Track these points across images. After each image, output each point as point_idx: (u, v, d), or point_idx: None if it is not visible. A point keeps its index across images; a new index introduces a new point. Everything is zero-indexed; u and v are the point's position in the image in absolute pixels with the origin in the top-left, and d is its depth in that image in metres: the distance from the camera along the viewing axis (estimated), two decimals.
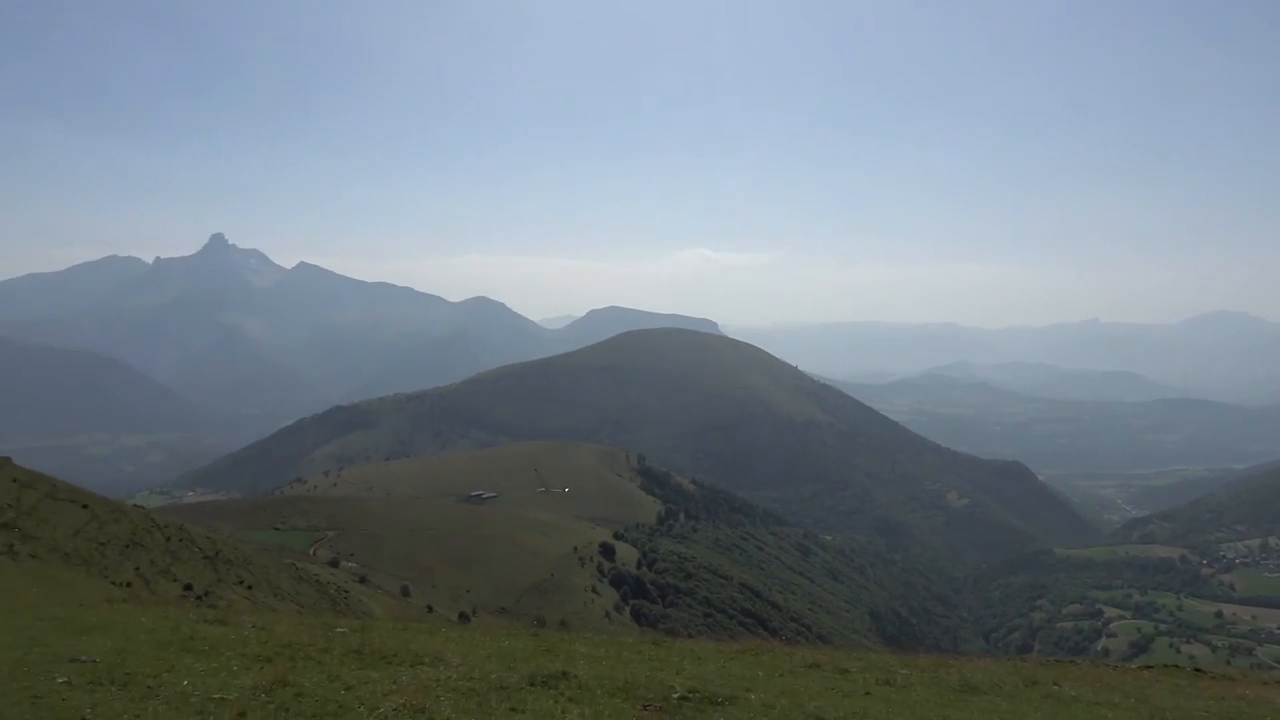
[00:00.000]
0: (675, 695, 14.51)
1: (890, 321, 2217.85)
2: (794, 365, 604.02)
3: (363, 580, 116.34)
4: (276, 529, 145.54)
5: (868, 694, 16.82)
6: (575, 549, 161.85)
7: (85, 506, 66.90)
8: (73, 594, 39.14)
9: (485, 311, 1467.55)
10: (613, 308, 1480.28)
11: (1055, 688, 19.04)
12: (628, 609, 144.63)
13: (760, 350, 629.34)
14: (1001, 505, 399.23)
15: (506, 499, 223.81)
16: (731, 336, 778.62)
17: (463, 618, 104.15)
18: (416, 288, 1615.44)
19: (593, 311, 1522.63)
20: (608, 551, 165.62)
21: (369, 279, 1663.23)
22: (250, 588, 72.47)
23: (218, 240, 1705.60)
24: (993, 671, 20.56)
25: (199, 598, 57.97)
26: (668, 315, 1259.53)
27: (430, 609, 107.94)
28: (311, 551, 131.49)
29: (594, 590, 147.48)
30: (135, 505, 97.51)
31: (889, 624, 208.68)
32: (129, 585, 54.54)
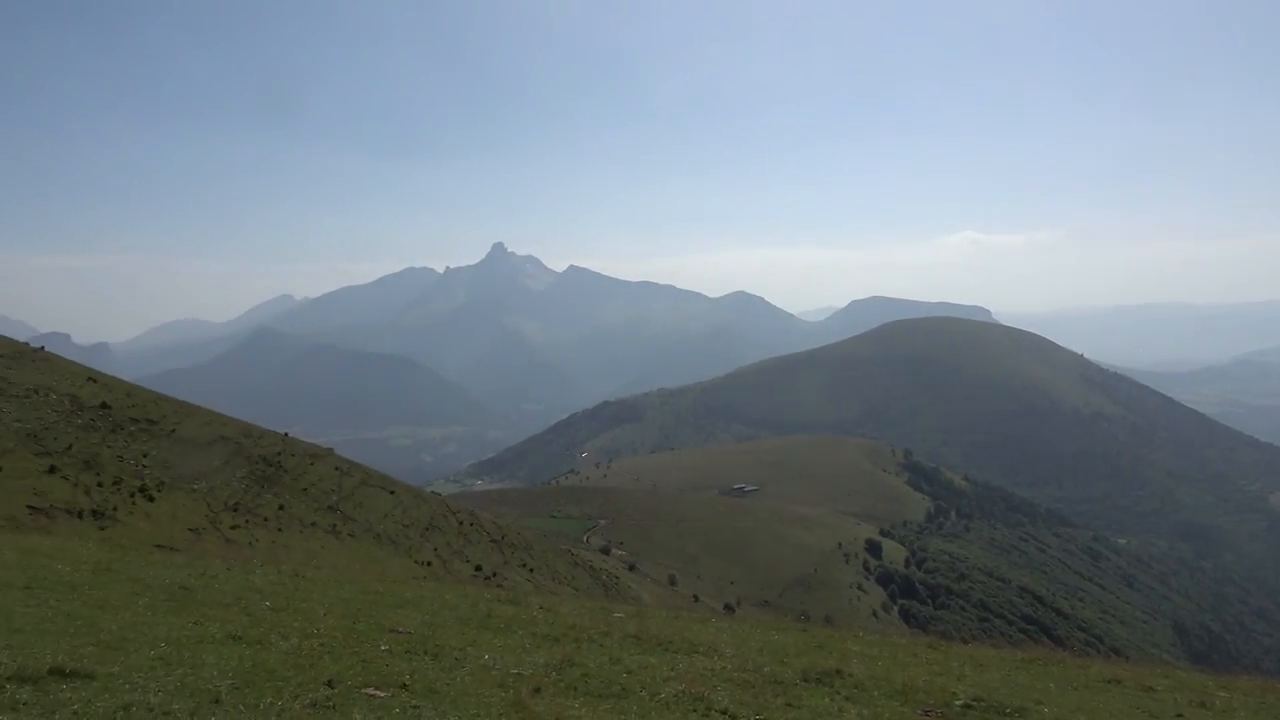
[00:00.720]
0: (958, 703, 13.86)
1: (1195, 302, 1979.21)
2: (1079, 353, 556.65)
3: (632, 568, 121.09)
4: (553, 516, 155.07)
5: (1179, 717, 15.17)
6: (839, 545, 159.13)
7: (392, 493, 74.72)
8: (385, 570, 43.87)
9: (745, 306, 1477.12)
10: (875, 298, 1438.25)
11: None
12: (895, 608, 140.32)
13: (1039, 337, 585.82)
14: None
15: (767, 493, 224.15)
16: (1006, 324, 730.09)
17: (728, 608, 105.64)
18: (678, 285, 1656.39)
19: (854, 302, 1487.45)
20: (874, 549, 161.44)
21: (633, 279, 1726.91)
22: (532, 570, 77.66)
23: (498, 249, 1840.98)
24: None
25: (488, 578, 62.94)
26: (935, 304, 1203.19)
27: (696, 598, 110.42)
28: (584, 539, 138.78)
29: (859, 588, 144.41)
30: (432, 492, 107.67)
31: (1197, 640, 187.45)
32: (429, 564, 60.29)
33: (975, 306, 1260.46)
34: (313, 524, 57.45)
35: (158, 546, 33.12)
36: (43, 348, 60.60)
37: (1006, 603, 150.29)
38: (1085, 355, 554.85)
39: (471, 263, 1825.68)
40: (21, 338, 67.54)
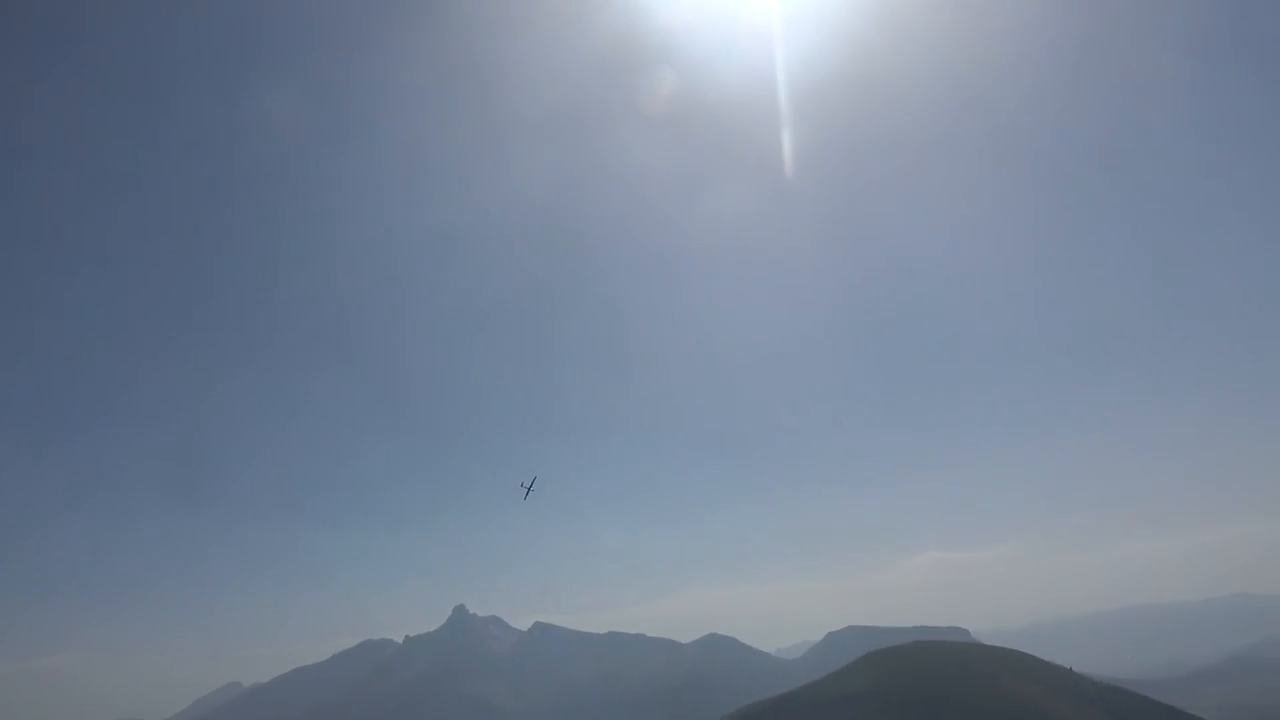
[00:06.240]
0: None
1: (1167, 601, 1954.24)
2: (1067, 666, 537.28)
3: None
4: None
5: None
6: None
7: None
8: None
9: (718, 648, 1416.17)
10: (850, 627, 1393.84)
11: None
12: None
13: (1023, 654, 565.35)
14: None
15: None
16: (986, 643, 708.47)
17: None
18: (647, 633, 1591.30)
19: (830, 634, 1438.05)
20: None
21: (600, 630, 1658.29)
22: None
23: (459, 612, 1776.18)
24: None
25: None
26: (912, 629, 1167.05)
27: None
28: None
29: None
30: None
31: None
32: None
33: (953, 627, 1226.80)
34: None
35: None
36: None
37: None
38: (1072, 668, 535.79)
39: (432, 629, 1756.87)
40: None
